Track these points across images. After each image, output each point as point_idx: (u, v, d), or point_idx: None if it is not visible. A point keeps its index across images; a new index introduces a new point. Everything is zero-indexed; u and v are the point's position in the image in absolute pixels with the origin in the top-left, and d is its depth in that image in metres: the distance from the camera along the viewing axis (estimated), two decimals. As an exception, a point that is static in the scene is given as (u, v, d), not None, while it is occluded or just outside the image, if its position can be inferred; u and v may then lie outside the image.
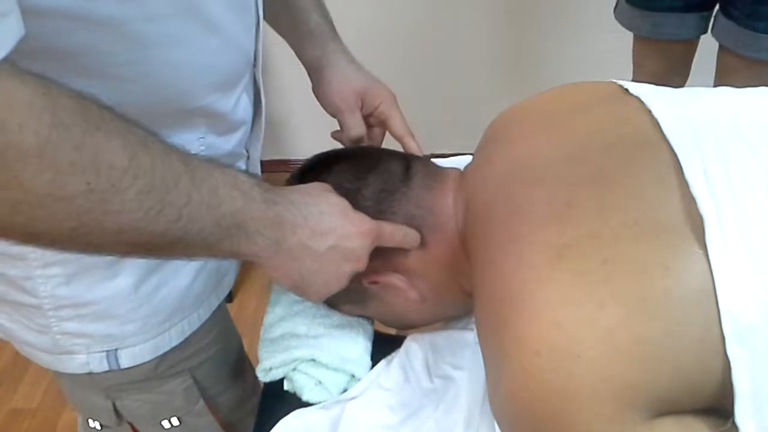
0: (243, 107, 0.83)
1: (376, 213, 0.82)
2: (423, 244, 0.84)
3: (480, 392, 0.84)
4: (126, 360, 0.82)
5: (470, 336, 0.88)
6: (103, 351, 0.80)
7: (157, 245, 0.60)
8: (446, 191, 0.86)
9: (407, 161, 0.89)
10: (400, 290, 0.86)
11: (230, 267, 0.95)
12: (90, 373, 0.82)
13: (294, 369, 0.92)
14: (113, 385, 0.87)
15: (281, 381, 0.93)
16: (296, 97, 2.48)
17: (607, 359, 0.62)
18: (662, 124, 0.73)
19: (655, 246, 0.65)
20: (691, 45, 1.67)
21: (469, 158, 0.94)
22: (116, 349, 0.81)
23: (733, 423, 0.61)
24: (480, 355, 0.75)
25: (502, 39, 2.37)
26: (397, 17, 2.31)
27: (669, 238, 0.65)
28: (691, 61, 1.71)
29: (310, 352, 0.91)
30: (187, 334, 0.87)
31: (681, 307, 0.62)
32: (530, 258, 0.69)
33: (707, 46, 1.63)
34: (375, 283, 0.86)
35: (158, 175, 0.56)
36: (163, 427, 0.94)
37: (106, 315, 0.77)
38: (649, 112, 0.75)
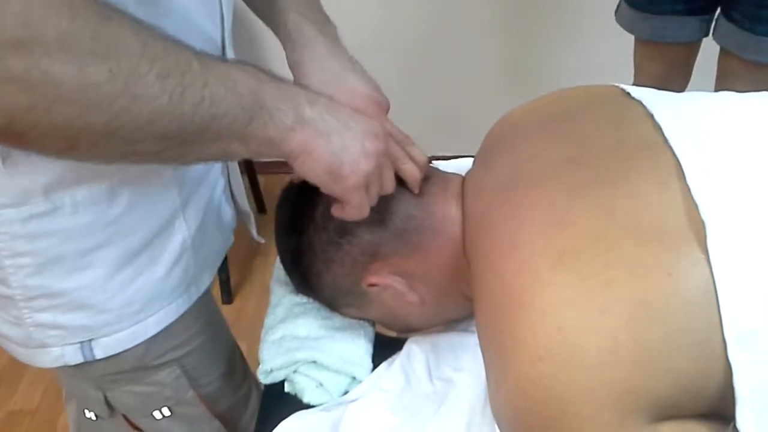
0: None
1: (375, 214, 0.82)
2: (423, 248, 0.84)
3: (481, 395, 0.84)
4: (100, 351, 0.81)
5: (471, 338, 0.88)
6: (77, 342, 0.79)
7: (189, 135, 0.60)
8: (448, 196, 0.86)
9: None
10: (400, 293, 0.86)
11: (211, 259, 0.93)
12: (77, 365, 0.82)
13: (295, 371, 0.92)
14: (102, 376, 0.87)
15: (282, 383, 0.93)
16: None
17: (609, 364, 0.62)
18: (664, 128, 0.73)
19: (656, 251, 0.65)
20: (693, 48, 1.67)
21: (470, 161, 0.94)
22: (90, 340, 0.80)
23: (735, 428, 0.61)
24: (481, 357, 0.75)
25: (503, 43, 2.37)
26: (399, 24, 2.31)
27: (671, 242, 0.65)
28: (693, 64, 1.71)
29: (311, 354, 0.91)
30: (165, 324, 0.86)
31: (682, 312, 0.62)
32: (531, 262, 0.69)
33: (708, 50, 1.63)
34: (374, 285, 0.86)
35: (172, 58, 0.57)
36: (154, 417, 0.93)
37: (79, 305, 0.77)
38: (651, 116, 0.75)
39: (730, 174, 0.68)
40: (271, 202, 2.39)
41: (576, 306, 0.64)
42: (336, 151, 0.71)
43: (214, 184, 0.89)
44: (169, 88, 0.56)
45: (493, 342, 0.71)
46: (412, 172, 0.82)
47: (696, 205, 0.65)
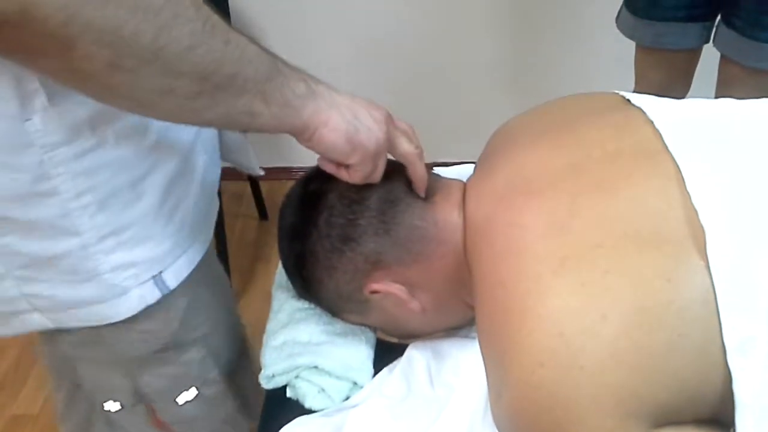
0: None
1: (379, 223, 0.83)
2: (425, 256, 0.85)
3: (482, 401, 0.84)
4: (171, 279, 0.83)
5: (472, 345, 0.88)
6: (149, 279, 0.81)
7: (222, 78, 0.62)
8: (449, 204, 0.86)
9: None
10: (402, 301, 0.86)
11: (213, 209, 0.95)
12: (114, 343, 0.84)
13: (297, 376, 0.92)
14: (136, 358, 0.88)
15: (284, 388, 0.94)
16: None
17: (610, 369, 0.62)
18: (664, 135, 0.73)
19: (656, 257, 0.65)
20: (694, 55, 1.67)
21: (471, 168, 0.95)
22: (160, 272, 0.82)
23: (735, 433, 0.61)
24: (482, 363, 0.76)
25: (505, 48, 2.37)
26: (401, 26, 2.32)
27: (670, 249, 0.66)
28: (694, 71, 1.71)
29: (313, 359, 0.91)
30: (207, 244, 0.89)
31: (682, 319, 0.63)
32: (532, 269, 0.69)
33: (708, 57, 1.63)
34: (376, 293, 0.86)
35: (193, 1, 0.59)
36: (178, 403, 0.94)
37: (142, 237, 0.78)
38: (652, 123, 0.76)
39: (729, 181, 0.69)
40: (273, 208, 2.40)
41: (577, 312, 0.64)
42: (350, 119, 0.74)
43: None
44: (202, 16, 0.58)
45: (494, 348, 0.72)
46: (413, 150, 0.84)
47: (695, 212, 0.66)
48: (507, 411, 0.68)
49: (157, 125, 0.75)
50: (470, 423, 0.84)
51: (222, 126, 0.81)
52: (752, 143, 0.74)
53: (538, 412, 0.64)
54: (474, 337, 0.88)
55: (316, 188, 0.87)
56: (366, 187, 0.83)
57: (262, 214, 2.48)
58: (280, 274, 1.03)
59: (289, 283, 0.98)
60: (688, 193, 0.67)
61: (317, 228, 0.85)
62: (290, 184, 0.94)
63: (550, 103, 0.91)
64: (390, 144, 0.80)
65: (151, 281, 0.81)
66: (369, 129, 0.76)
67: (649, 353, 0.62)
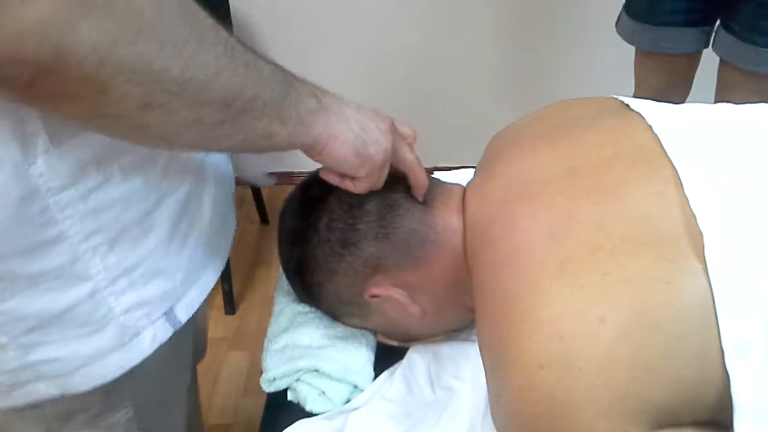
0: None
1: (379, 228, 0.83)
2: (425, 260, 0.85)
3: (482, 403, 0.84)
4: (182, 313, 0.79)
5: (472, 348, 0.89)
6: (162, 315, 0.78)
7: (245, 102, 0.61)
8: (449, 208, 0.86)
9: None
10: (402, 305, 0.86)
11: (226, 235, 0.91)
12: (39, 406, 0.76)
13: (298, 379, 0.93)
14: (61, 414, 0.81)
15: (285, 391, 0.94)
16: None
17: (608, 371, 0.62)
18: (663, 140, 0.74)
19: (655, 260, 0.66)
20: (693, 59, 1.68)
21: (471, 172, 0.95)
22: (172, 307, 0.79)
23: (733, 436, 0.62)
24: (482, 366, 0.76)
25: (506, 54, 2.38)
26: (402, 32, 2.32)
27: (669, 252, 0.66)
28: (693, 75, 1.71)
29: (314, 362, 0.92)
30: (221, 268, 0.85)
31: (680, 321, 0.63)
32: (532, 272, 0.69)
33: (708, 61, 1.64)
34: (376, 296, 0.86)
35: (212, 23, 0.58)
36: None
37: (154, 272, 0.75)
38: (650, 127, 0.76)
39: (727, 185, 0.69)
40: (274, 213, 2.41)
41: (576, 315, 0.65)
42: (358, 132, 0.75)
43: None
44: (222, 38, 0.58)
45: (494, 351, 0.72)
46: (417, 170, 0.84)
47: (694, 216, 0.66)
48: (506, 413, 0.68)
49: (164, 154, 0.73)
50: (470, 425, 0.84)
51: (237, 151, 0.77)
52: (750, 148, 0.75)
53: (538, 414, 0.64)
54: (474, 341, 0.89)
55: (316, 193, 0.87)
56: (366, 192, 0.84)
57: (263, 218, 2.48)
58: (281, 278, 1.03)
59: (289, 287, 0.98)
60: (686, 197, 0.68)
61: (317, 232, 0.86)
62: (291, 188, 0.95)
63: (549, 107, 0.92)
64: (393, 153, 0.80)
65: (163, 318, 0.78)
66: (377, 141, 0.76)
67: (648, 355, 0.62)
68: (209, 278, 0.83)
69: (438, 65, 2.38)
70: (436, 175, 0.98)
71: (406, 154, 0.83)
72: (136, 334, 0.76)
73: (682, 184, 0.69)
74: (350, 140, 0.74)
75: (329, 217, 0.85)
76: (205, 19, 0.57)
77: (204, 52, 0.56)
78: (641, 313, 0.64)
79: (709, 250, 0.64)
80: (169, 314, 0.78)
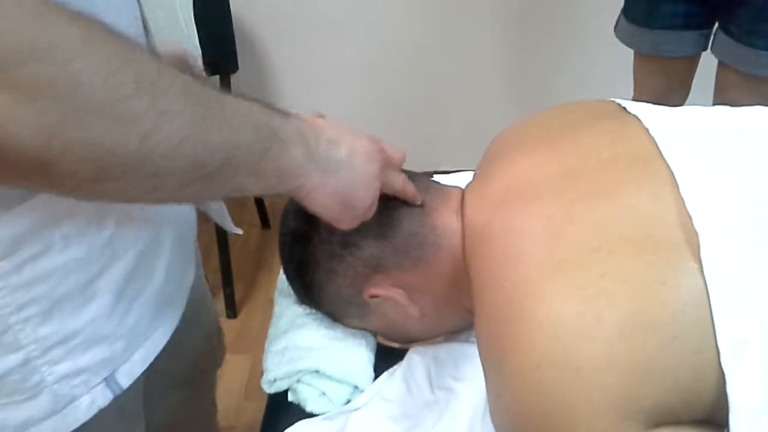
0: None
1: (379, 228, 0.84)
2: (424, 261, 0.86)
3: (481, 404, 0.85)
4: (124, 378, 0.76)
5: (472, 349, 0.89)
6: (101, 381, 0.74)
7: (214, 168, 0.58)
8: (449, 209, 0.87)
9: (411, 179, 0.90)
10: (401, 305, 0.87)
11: (192, 253, 0.89)
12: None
13: (298, 380, 0.94)
14: None
15: (286, 392, 0.95)
16: (301, 113, 2.50)
17: (605, 371, 0.63)
18: (659, 142, 0.74)
19: (651, 261, 0.66)
20: (692, 62, 1.68)
21: (471, 174, 0.96)
22: (112, 372, 0.75)
23: (729, 434, 0.62)
24: (481, 367, 0.76)
25: (506, 58, 2.39)
26: (402, 37, 2.33)
27: (665, 253, 0.67)
28: (692, 78, 1.72)
29: (314, 363, 0.92)
30: (172, 330, 0.82)
31: (677, 321, 0.64)
32: (530, 273, 0.70)
33: (707, 63, 1.65)
34: (376, 297, 0.87)
35: (185, 78, 0.55)
36: None
37: (94, 340, 0.72)
38: (647, 130, 0.77)
39: (723, 186, 0.70)
40: (276, 217, 2.41)
41: (573, 315, 0.65)
42: (346, 186, 0.72)
43: None
44: (190, 104, 0.55)
45: (492, 351, 0.73)
46: (407, 190, 0.83)
47: (690, 217, 0.67)
48: (505, 413, 0.69)
49: (116, 215, 0.69)
50: (470, 426, 0.84)
51: (205, 202, 0.75)
52: (746, 149, 0.75)
53: (535, 414, 0.65)
54: (473, 342, 0.89)
55: None
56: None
57: (265, 223, 2.49)
58: (281, 280, 1.04)
59: (290, 289, 0.99)
60: (682, 198, 0.68)
61: (318, 233, 0.86)
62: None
63: (547, 111, 0.92)
64: (383, 185, 0.79)
65: (103, 384, 0.74)
66: (363, 190, 0.75)
67: (644, 355, 0.63)
68: (157, 341, 0.80)
69: (439, 69, 2.39)
70: (436, 178, 0.98)
71: (394, 181, 0.82)
72: (72, 400, 0.72)
73: (678, 186, 0.69)
74: (338, 191, 0.72)
75: None
76: (170, 85, 0.53)
77: (166, 122, 0.52)
78: (638, 313, 0.64)
79: (705, 251, 0.65)
80: (109, 380, 0.75)
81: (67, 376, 0.71)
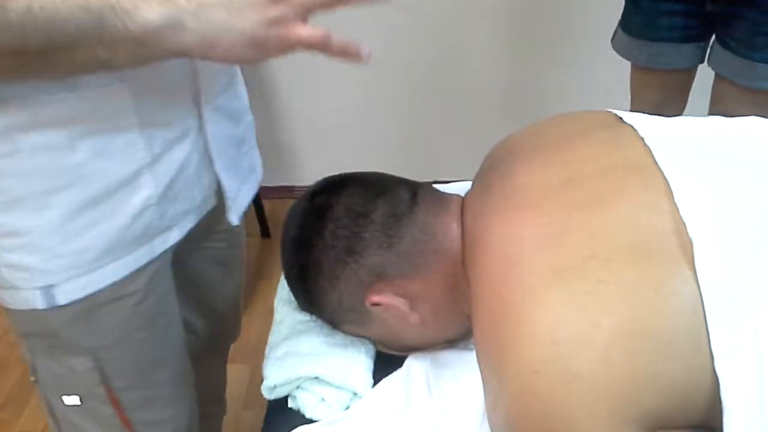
0: None
1: (384, 237, 0.85)
2: (426, 268, 0.87)
3: (479, 410, 0.85)
4: (62, 297, 0.80)
5: (470, 356, 0.89)
6: (39, 287, 0.80)
7: (34, 46, 0.62)
8: (449, 217, 0.88)
9: (414, 188, 0.91)
10: (402, 313, 0.88)
11: (178, 218, 0.89)
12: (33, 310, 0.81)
13: (298, 387, 0.94)
14: (26, 335, 0.87)
15: (286, 399, 0.95)
16: (302, 123, 2.51)
17: (601, 376, 0.64)
18: (654, 151, 0.76)
19: (647, 268, 0.67)
20: (689, 74, 1.68)
21: (470, 184, 0.97)
22: (51, 286, 0.80)
23: (722, 439, 0.63)
24: (479, 374, 0.77)
25: (504, 71, 2.40)
26: (403, 50, 2.34)
27: (660, 260, 0.68)
28: (689, 89, 1.72)
29: (314, 370, 0.93)
30: (123, 273, 0.84)
31: (672, 327, 0.65)
32: (527, 280, 0.71)
33: (703, 75, 1.65)
34: (377, 305, 0.88)
35: None
36: (64, 402, 0.90)
37: (38, 247, 0.77)
38: (642, 139, 0.78)
39: (716, 194, 0.71)
40: (276, 227, 2.42)
41: (570, 321, 0.66)
42: (235, 23, 0.67)
43: (191, 148, 0.86)
44: None
45: (490, 357, 0.73)
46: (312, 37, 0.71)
47: (684, 225, 0.68)
48: (502, 418, 0.70)
49: (91, 145, 0.74)
50: (467, 432, 0.85)
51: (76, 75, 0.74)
52: (740, 158, 0.77)
53: (533, 419, 0.66)
54: (471, 349, 0.90)
55: (322, 201, 0.89)
56: (372, 202, 0.86)
57: (265, 232, 2.49)
58: (282, 287, 1.05)
59: (290, 296, 0.99)
60: (676, 206, 0.69)
61: (323, 239, 0.87)
62: (291, 202, 0.96)
63: (545, 121, 0.94)
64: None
65: (40, 291, 0.80)
66: (257, 21, 0.67)
67: (639, 360, 0.64)
68: (105, 275, 0.82)
69: (441, 81, 2.40)
70: (437, 187, 0.99)
71: (300, 32, 0.69)
72: (13, 287, 0.80)
73: (672, 195, 0.70)
74: (234, 39, 0.68)
75: (335, 224, 0.86)
76: None
77: None
78: (634, 319, 0.65)
79: (699, 258, 0.66)
80: (46, 290, 0.80)
81: (13, 267, 0.79)
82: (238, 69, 0.96)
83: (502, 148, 0.94)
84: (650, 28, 1.60)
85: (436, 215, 0.88)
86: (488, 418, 0.74)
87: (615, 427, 0.63)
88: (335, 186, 0.91)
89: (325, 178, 0.94)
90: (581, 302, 0.67)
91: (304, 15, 0.70)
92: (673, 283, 0.66)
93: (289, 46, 0.70)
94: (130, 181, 0.79)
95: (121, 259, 0.83)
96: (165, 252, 0.88)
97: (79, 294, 0.81)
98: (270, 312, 1.07)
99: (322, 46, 0.71)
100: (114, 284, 0.83)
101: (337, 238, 0.85)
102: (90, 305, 0.83)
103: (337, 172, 0.96)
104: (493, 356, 0.72)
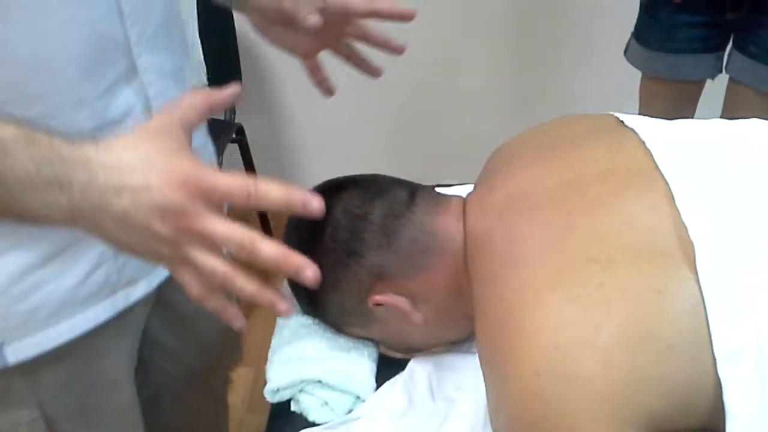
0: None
1: (382, 237, 0.85)
2: (427, 268, 0.87)
3: (481, 414, 0.85)
4: (12, 355, 0.78)
5: (473, 359, 0.90)
6: None
7: None
8: (449, 217, 0.88)
9: (413, 189, 0.91)
10: (405, 313, 0.88)
11: (143, 269, 0.85)
12: None
13: (301, 390, 0.94)
14: None
15: (288, 402, 0.95)
16: (303, 126, 2.51)
17: (603, 379, 0.64)
18: (655, 155, 0.76)
19: (648, 270, 0.67)
20: (702, 84, 1.66)
21: (471, 187, 0.97)
22: (2, 343, 0.77)
23: (725, 442, 0.63)
24: (482, 377, 0.77)
25: (506, 75, 2.39)
26: (404, 54, 2.34)
27: (662, 263, 0.68)
28: (698, 99, 1.69)
29: (317, 373, 0.93)
30: (82, 330, 0.81)
31: (673, 330, 0.64)
32: (529, 282, 0.71)
33: (710, 84, 1.64)
34: (380, 305, 0.88)
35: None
36: None
37: None
38: (643, 143, 0.78)
39: (717, 197, 0.71)
40: (279, 230, 2.42)
41: (572, 324, 0.66)
42: (117, 240, 0.60)
43: None
44: None
45: (492, 359, 0.73)
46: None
47: (685, 228, 0.68)
48: (505, 421, 0.69)
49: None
50: (470, 435, 0.85)
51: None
52: (741, 161, 0.77)
53: (535, 421, 0.65)
54: (474, 352, 0.90)
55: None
56: (370, 203, 0.86)
57: (267, 235, 2.49)
58: (284, 290, 1.05)
59: (293, 299, 0.99)
60: (677, 209, 0.69)
61: (322, 242, 0.87)
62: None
63: (547, 123, 0.94)
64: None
65: None
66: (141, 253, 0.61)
67: (641, 363, 0.64)
68: (58, 334, 0.80)
69: (443, 84, 2.40)
70: (438, 189, 1.00)
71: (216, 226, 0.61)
72: None
73: (673, 198, 0.70)
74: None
75: (333, 227, 0.86)
76: None
77: None
78: (635, 322, 0.65)
79: (700, 261, 0.66)
80: None
81: None
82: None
83: (504, 151, 0.95)
84: (669, 40, 1.57)
85: (436, 215, 0.88)
86: (490, 420, 0.74)
87: (616, 429, 0.63)
88: (333, 189, 0.91)
89: (324, 182, 0.95)
90: (583, 305, 0.67)
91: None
92: (674, 285, 0.66)
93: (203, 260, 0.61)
94: (81, 238, 0.64)
95: (75, 316, 0.80)
96: (133, 305, 0.86)
97: (31, 352, 0.79)
98: (272, 316, 1.06)
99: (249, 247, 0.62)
100: (69, 341, 0.80)
101: (336, 241, 0.86)
102: (38, 362, 0.80)
103: (337, 175, 0.96)
104: (495, 358, 0.72)
